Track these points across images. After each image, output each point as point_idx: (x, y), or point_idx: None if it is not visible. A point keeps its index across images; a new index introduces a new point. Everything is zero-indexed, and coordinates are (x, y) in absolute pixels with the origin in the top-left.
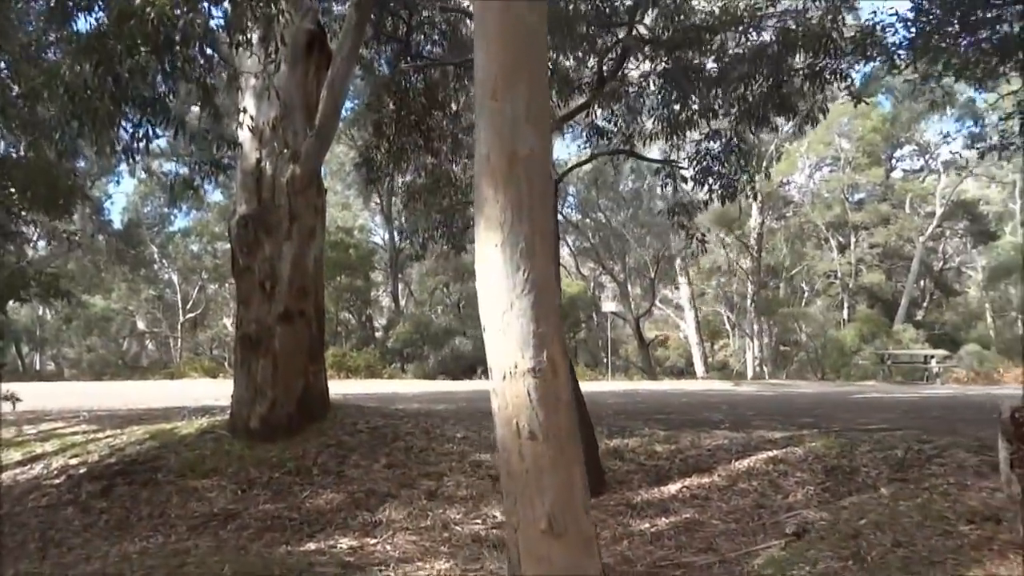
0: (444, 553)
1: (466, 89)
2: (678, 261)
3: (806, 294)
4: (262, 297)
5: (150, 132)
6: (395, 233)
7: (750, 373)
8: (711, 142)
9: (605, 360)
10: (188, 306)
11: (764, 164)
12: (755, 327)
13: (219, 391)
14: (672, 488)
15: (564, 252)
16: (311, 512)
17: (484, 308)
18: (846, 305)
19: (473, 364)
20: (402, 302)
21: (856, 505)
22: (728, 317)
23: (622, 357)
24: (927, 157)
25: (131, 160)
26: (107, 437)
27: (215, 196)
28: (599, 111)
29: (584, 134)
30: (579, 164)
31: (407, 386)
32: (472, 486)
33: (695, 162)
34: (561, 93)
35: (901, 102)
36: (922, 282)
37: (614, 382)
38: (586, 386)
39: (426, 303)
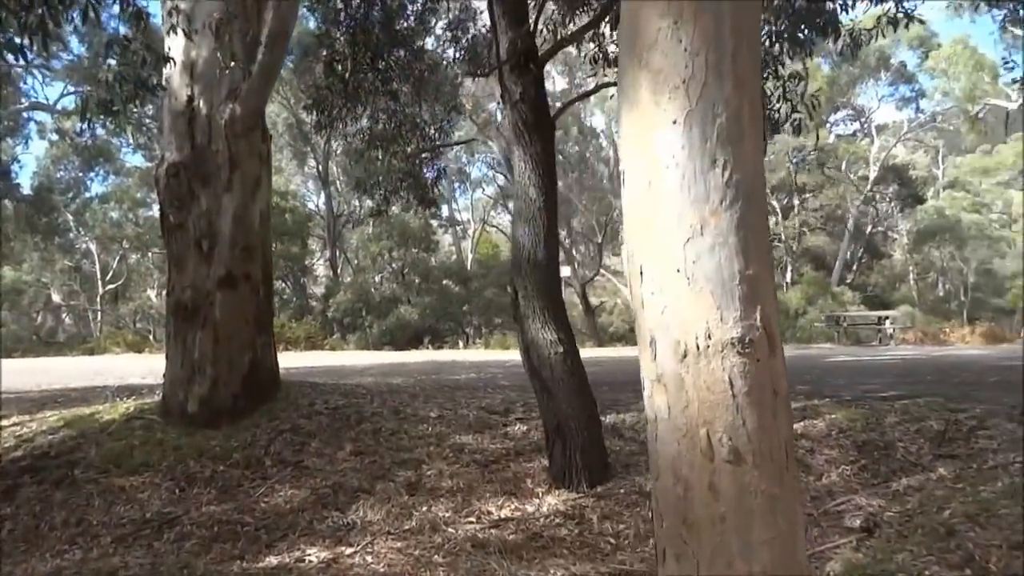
0: (441, 564)
1: (433, 17)
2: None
3: None
4: (199, 258)
5: (45, 15)
6: (332, 198)
7: None
8: None
9: None
10: (108, 277)
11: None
12: None
13: (146, 367)
14: None
15: (505, 218)
16: (268, 514)
17: (639, 238)
18: (789, 268)
19: (419, 333)
20: (339, 270)
21: (915, 490)
22: None
23: None
24: (862, 120)
25: (21, 57)
26: (12, 425)
27: (135, 159)
28: (608, 30)
29: (589, 60)
30: (583, 96)
31: (352, 358)
32: (457, 475)
33: None
34: (567, 5)
35: (839, 66)
36: (853, 245)
37: None
38: None
39: (368, 270)
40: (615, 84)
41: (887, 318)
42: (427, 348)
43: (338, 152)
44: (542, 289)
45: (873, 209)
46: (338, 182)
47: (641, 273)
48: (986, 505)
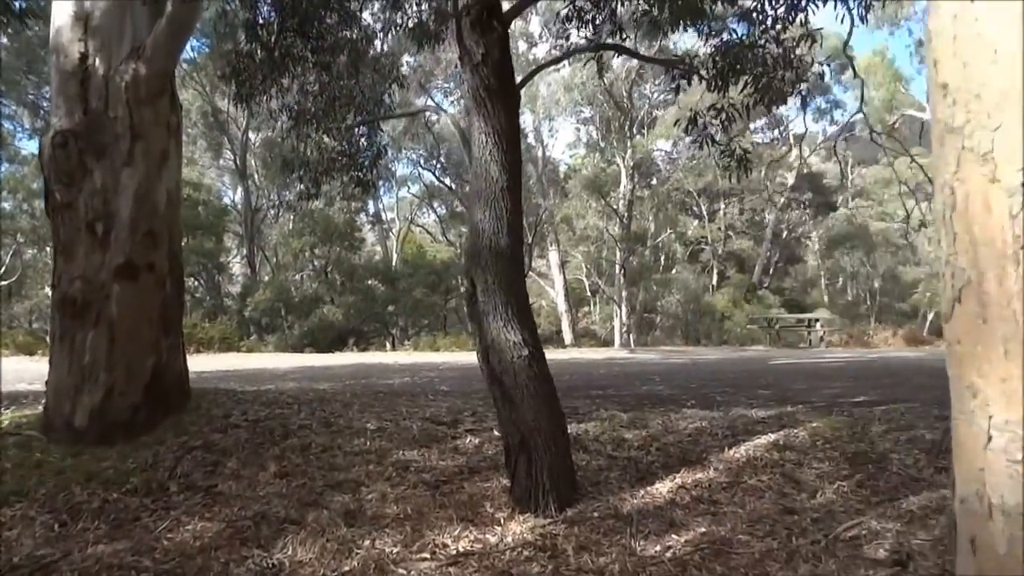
0: None
1: None
2: (551, 226)
3: (678, 258)
4: (91, 244)
5: None
6: (250, 192)
7: (617, 340)
8: (743, 26)
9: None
10: (1, 273)
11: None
12: (623, 294)
13: (36, 372)
14: (662, 488)
15: (431, 218)
16: (172, 555)
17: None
18: (715, 271)
19: (343, 334)
20: (257, 268)
21: (934, 511)
22: (591, 285)
23: None
24: (780, 129)
25: None
26: None
27: (31, 145)
28: None
29: (559, 22)
30: (551, 63)
31: (272, 360)
32: (404, 499)
33: (718, 57)
34: None
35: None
36: (771, 249)
37: None
38: (469, 356)
39: (288, 268)
40: (591, 48)
41: (816, 321)
42: (352, 350)
43: (257, 144)
44: (505, 282)
45: (789, 215)
46: (256, 175)
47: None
48: None
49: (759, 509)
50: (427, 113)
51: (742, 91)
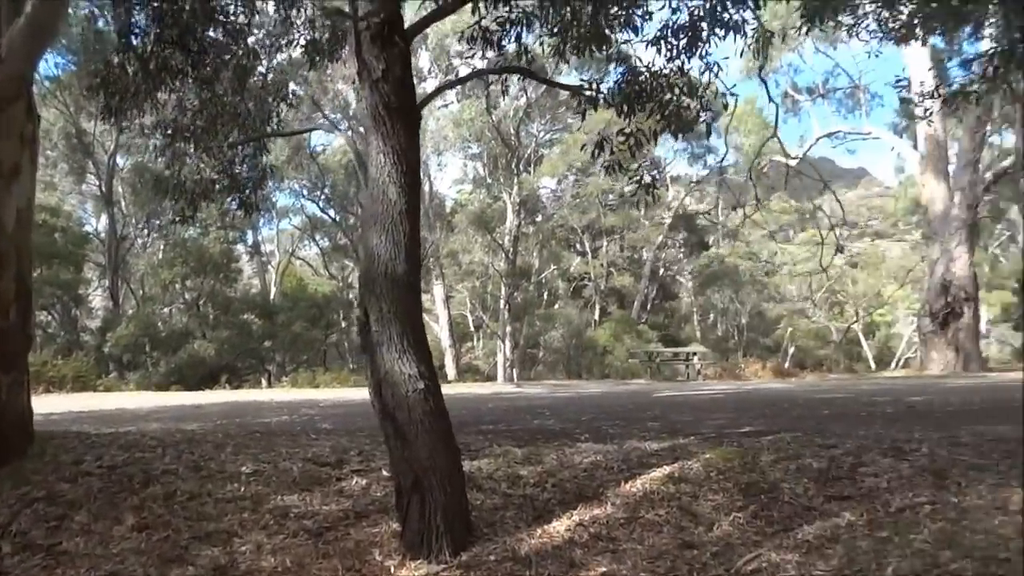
0: None
1: None
2: (437, 261)
3: (560, 294)
4: None
5: None
6: (116, 220)
7: (501, 375)
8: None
9: (352, 364)
10: None
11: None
12: (507, 329)
13: None
14: (560, 527)
15: (312, 251)
16: None
17: None
18: (597, 306)
19: (215, 371)
20: (121, 300)
21: (828, 540)
22: (475, 320)
23: None
24: (658, 171)
25: None
26: None
27: None
28: (483, 5)
29: (465, 40)
30: (456, 82)
31: (134, 400)
32: (283, 550)
33: (626, 83)
34: None
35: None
36: (649, 286)
37: None
38: (352, 392)
39: (156, 300)
40: (495, 71)
41: (694, 354)
42: (225, 387)
43: (125, 169)
44: (401, 311)
45: (666, 254)
46: (123, 201)
47: None
48: (931, 559)
49: (658, 545)
50: (312, 145)
51: (648, 118)
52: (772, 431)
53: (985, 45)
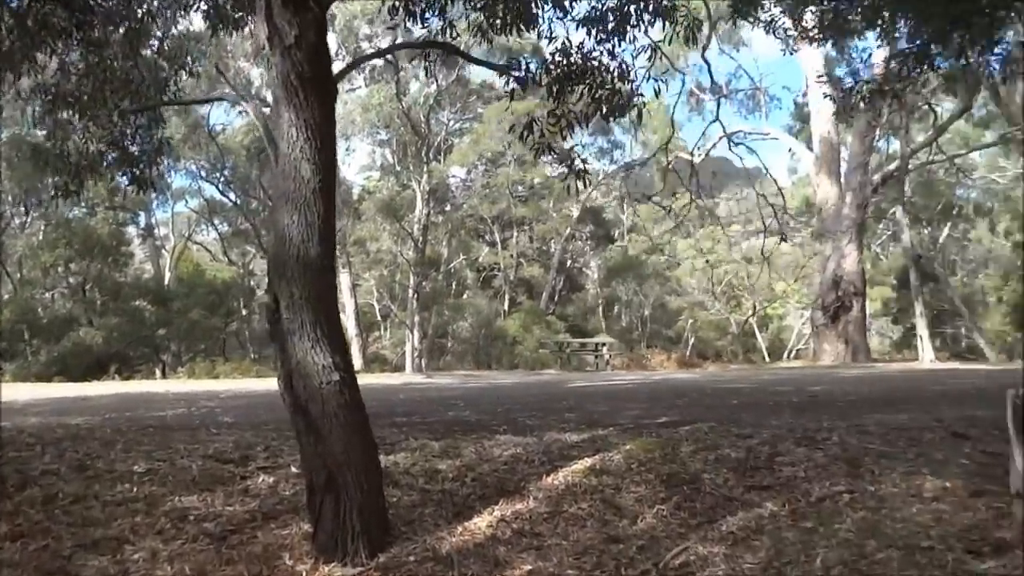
0: None
1: None
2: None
3: (468, 284)
4: None
5: None
6: None
7: (409, 365)
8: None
9: (254, 353)
10: None
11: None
12: (415, 318)
13: None
14: (482, 523)
15: (210, 235)
16: None
17: None
18: (507, 297)
19: (103, 360)
20: None
21: (753, 532)
22: (382, 309)
23: None
24: (566, 163)
25: None
26: None
27: None
28: None
29: (387, 12)
30: (376, 55)
31: (10, 391)
32: (181, 556)
33: (556, 64)
34: None
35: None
36: (557, 277)
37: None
38: (255, 383)
39: (36, 284)
40: (418, 45)
41: (603, 345)
42: (114, 378)
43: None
44: (314, 297)
45: (573, 246)
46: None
47: None
48: (856, 548)
49: (583, 540)
50: (211, 123)
51: (579, 101)
52: (688, 421)
53: (881, 54)
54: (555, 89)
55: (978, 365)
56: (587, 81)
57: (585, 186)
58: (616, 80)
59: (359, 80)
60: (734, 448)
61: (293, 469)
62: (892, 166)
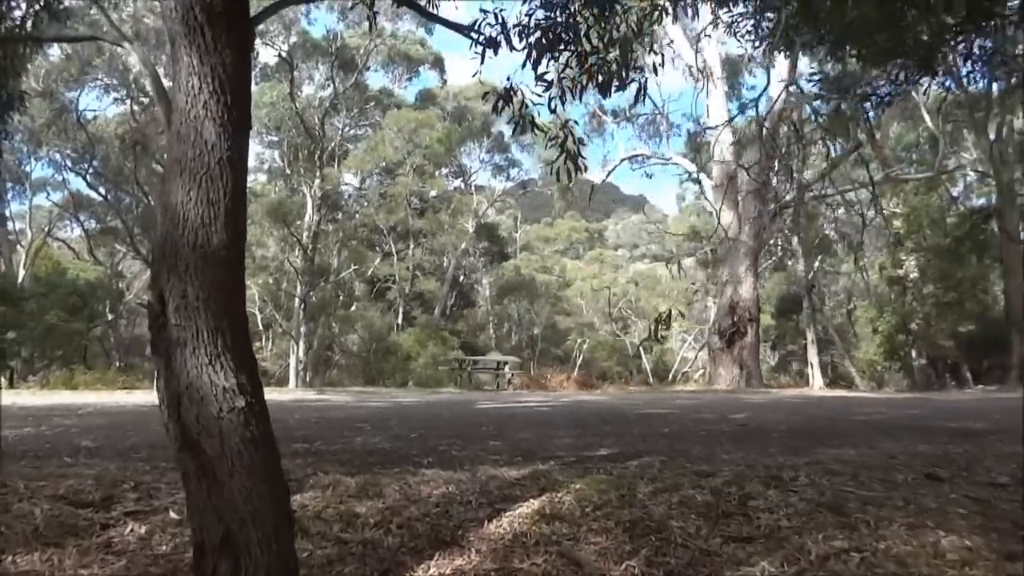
0: None
1: None
2: None
3: (358, 296)
4: None
5: None
6: None
7: (293, 379)
8: None
9: (120, 362)
10: None
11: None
12: (302, 329)
13: None
14: None
15: (75, 232)
16: None
17: None
18: (401, 310)
19: None
20: None
21: None
22: (265, 318)
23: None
24: (464, 178)
25: None
26: None
27: None
28: None
29: None
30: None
31: None
32: None
33: (532, 27)
34: None
35: (456, 122)
36: (450, 292)
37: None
38: (122, 396)
39: None
40: None
41: (505, 364)
42: None
43: None
44: (217, 298)
45: (467, 261)
46: None
47: None
48: None
49: None
50: (80, 109)
51: (565, 68)
52: (633, 454)
53: (779, 88)
54: (535, 54)
55: (866, 393)
56: (574, 48)
57: (580, 172)
58: (607, 46)
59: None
60: (697, 489)
61: (172, 515)
62: (788, 196)
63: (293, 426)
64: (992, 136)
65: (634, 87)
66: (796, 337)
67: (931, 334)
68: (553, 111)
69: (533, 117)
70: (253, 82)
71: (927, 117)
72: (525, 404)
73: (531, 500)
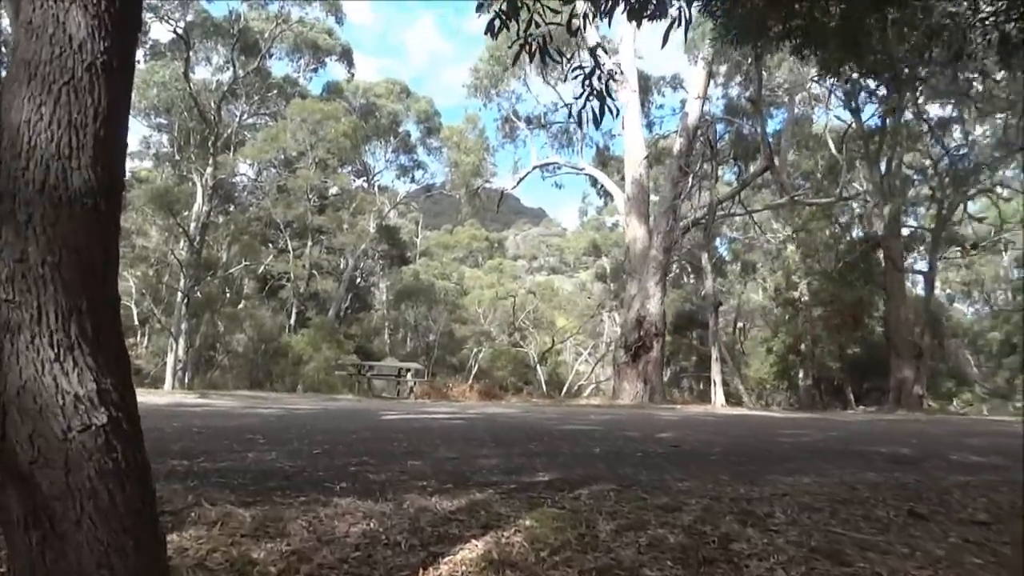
0: None
1: None
2: None
3: (247, 293)
4: None
5: None
6: None
7: (170, 380)
8: None
9: None
10: None
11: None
12: (183, 326)
13: None
14: None
15: None
16: None
17: None
18: (295, 310)
19: None
20: None
21: None
22: (142, 312)
23: None
24: (367, 177)
25: None
26: None
27: None
28: None
29: None
30: None
31: None
32: None
33: None
34: None
35: (363, 119)
36: (347, 295)
37: None
38: None
39: None
40: None
41: (408, 371)
42: None
43: None
44: (74, 264)
45: (366, 264)
46: None
47: None
48: None
49: None
50: None
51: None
52: (576, 480)
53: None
54: None
55: (762, 412)
56: None
57: (614, 116)
58: None
59: (138, 54)
60: (666, 527)
61: None
62: (699, 213)
63: (170, 437)
64: (883, 169)
65: (668, 21)
66: (689, 354)
67: (819, 355)
68: (574, 33)
69: (545, 42)
70: (141, 59)
71: (832, 145)
72: (433, 416)
73: (474, 541)
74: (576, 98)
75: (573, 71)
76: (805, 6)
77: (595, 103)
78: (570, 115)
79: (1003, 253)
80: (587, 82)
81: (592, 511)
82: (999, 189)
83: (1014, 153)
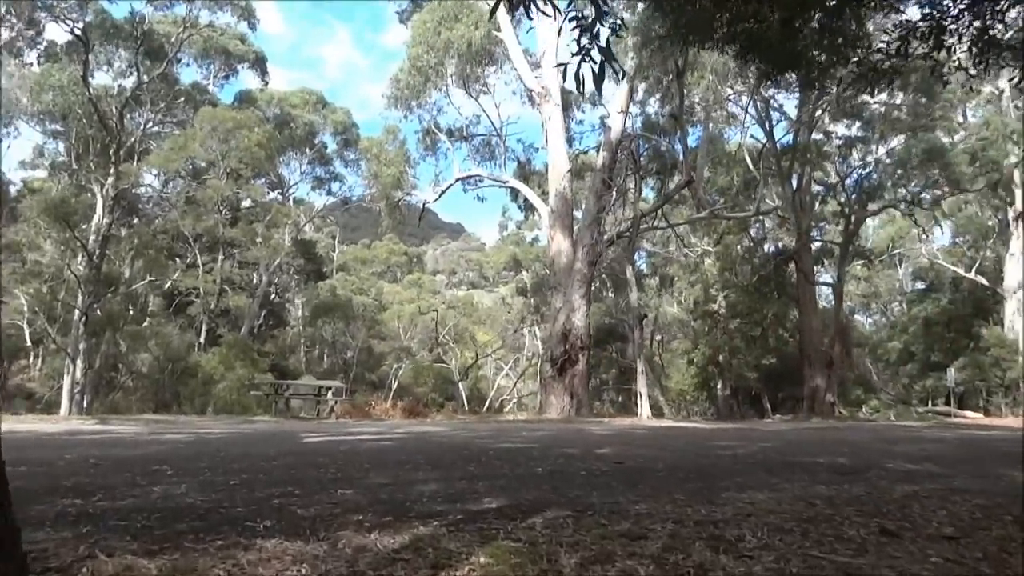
0: None
1: None
2: None
3: (153, 310)
4: None
5: None
6: None
7: (66, 404)
8: None
9: None
10: None
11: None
12: (81, 346)
13: None
14: None
15: None
16: None
17: None
18: (205, 328)
19: None
20: None
21: None
22: (35, 332)
23: None
24: (282, 190)
25: None
26: None
27: None
28: None
29: None
30: None
31: None
32: None
33: None
34: None
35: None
36: (261, 311)
37: None
38: None
39: None
40: None
41: (329, 389)
42: None
43: None
44: None
45: (281, 279)
46: None
47: None
48: None
49: None
50: None
51: None
52: (526, 506)
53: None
54: None
55: (684, 423)
56: None
57: (617, 76)
58: None
59: (31, 56)
60: (635, 559)
61: None
62: (622, 227)
63: (62, 471)
64: (794, 185)
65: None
66: (610, 367)
67: (736, 366)
68: None
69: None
70: (35, 62)
71: (749, 161)
72: (359, 436)
73: None
74: (574, 55)
75: (569, 21)
76: (751, 8)
77: (595, 61)
78: (564, 76)
79: (898, 267)
80: (586, 35)
81: (551, 543)
82: (901, 205)
83: (911, 172)
